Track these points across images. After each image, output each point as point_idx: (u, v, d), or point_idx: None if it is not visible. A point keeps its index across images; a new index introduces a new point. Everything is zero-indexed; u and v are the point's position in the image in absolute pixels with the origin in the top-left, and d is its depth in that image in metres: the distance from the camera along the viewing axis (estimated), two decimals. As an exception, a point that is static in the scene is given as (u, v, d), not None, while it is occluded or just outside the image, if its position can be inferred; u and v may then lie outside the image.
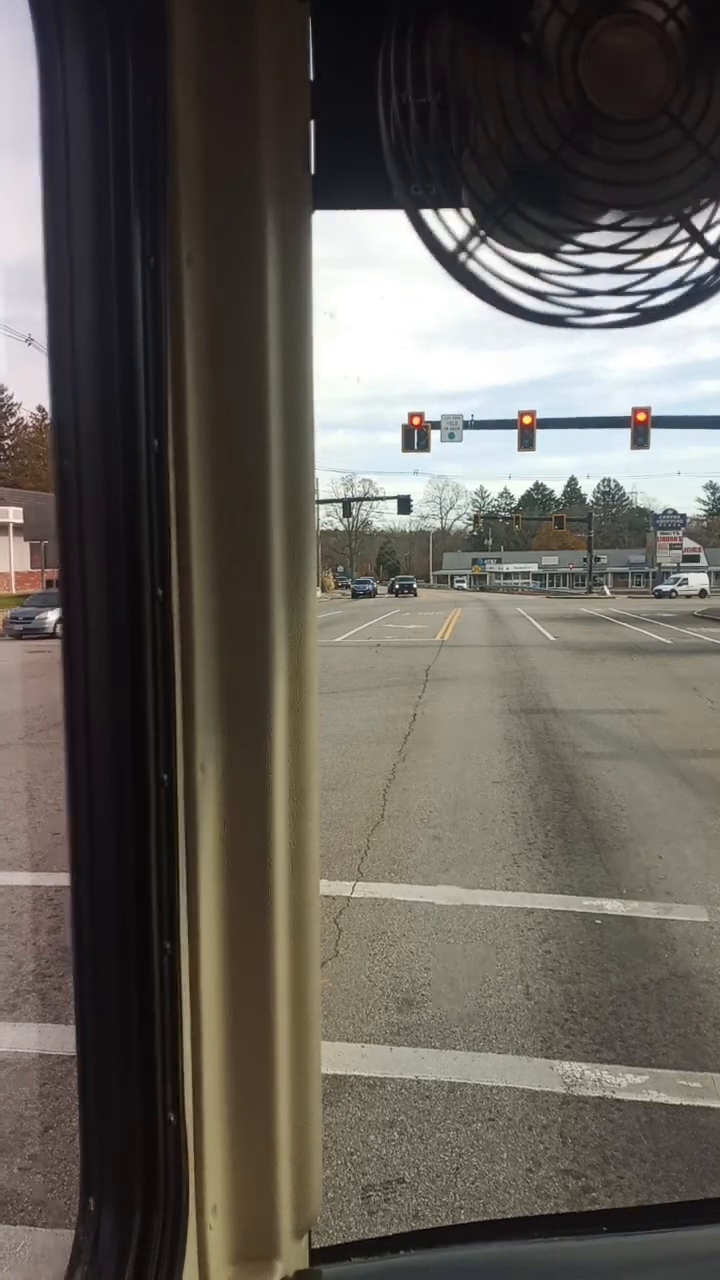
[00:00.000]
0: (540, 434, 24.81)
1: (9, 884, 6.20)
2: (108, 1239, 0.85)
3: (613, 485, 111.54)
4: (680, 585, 60.95)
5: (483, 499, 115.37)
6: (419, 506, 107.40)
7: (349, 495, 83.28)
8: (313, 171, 0.91)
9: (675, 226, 0.77)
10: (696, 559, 73.35)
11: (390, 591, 65.07)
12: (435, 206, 0.76)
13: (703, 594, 59.40)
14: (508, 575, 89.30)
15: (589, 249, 0.77)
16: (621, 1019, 4.35)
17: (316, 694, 1.00)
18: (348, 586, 66.30)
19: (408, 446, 25.11)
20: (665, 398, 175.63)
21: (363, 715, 12.86)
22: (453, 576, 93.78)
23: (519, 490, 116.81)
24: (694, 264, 0.77)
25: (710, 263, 0.77)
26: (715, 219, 0.77)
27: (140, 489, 0.80)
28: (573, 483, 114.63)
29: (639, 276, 0.77)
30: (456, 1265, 1.07)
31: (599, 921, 5.54)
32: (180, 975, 0.87)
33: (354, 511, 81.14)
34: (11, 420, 58.29)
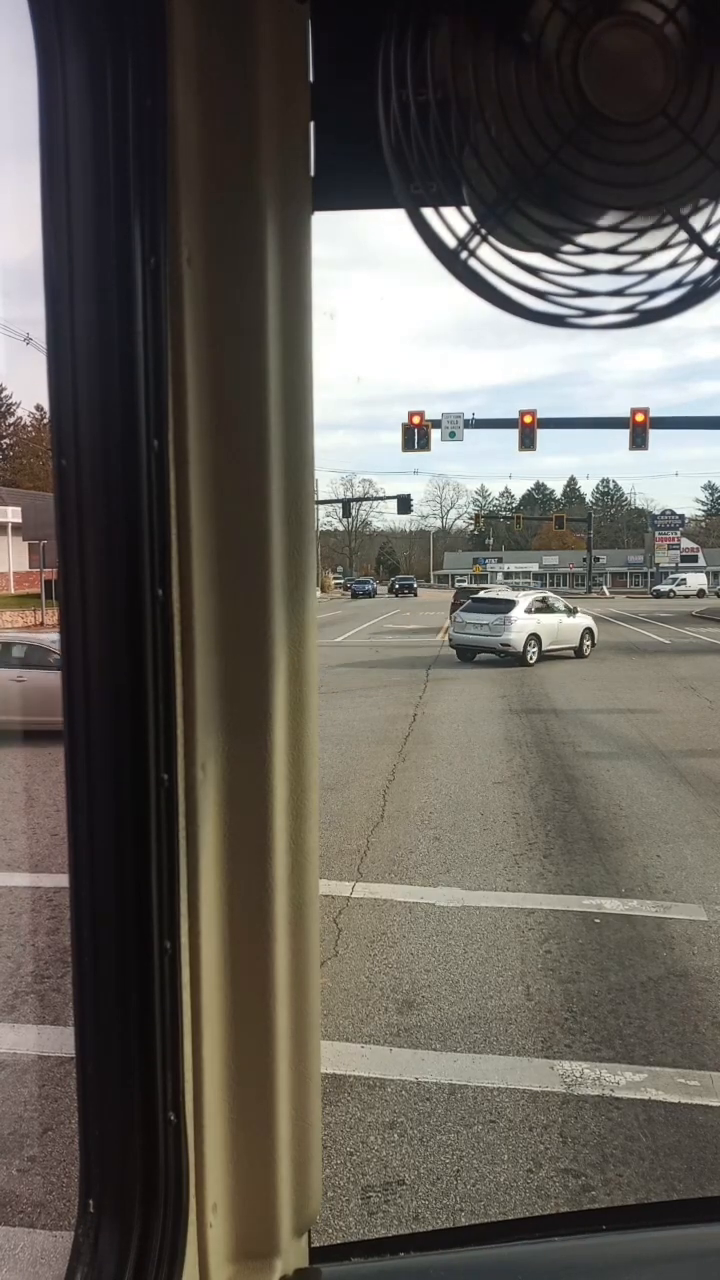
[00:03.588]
0: (541, 434, 24.80)
1: (7, 885, 6.19)
2: (108, 1239, 0.85)
3: (612, 485, 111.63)
4: (679, 585, 60.97)
5: (484, 498, 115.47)
6: (419, 506, 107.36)
7: (349, 495, 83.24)
8: (313, 172, 0.91)
9: (674, 228, 0.77)
10: (695, 559, 73.41)
11: (390, 591, 65.07)
12: (436, 205, 0.76)
13: (701, 594, 59.44)
14: (509, 575, 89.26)
15: (589, 250, 0.77)
16: (620, 1017, 4.35)
17: (317, 694, 1.00)
18: (347, 587, 66.29)
19: (408, 445, 25.07)
20: (665, 399, 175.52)
21: (363, 715, 12.87)
22: (454, 576, 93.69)
23: (520, 490, 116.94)
24: (693, 265, 0.77)
25: (709, 264, 0.77)
26: (714, 220, 0.77)
27: (140, 489, 0.80)
28: (572, 483, 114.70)
29: (638, 277, 0.77)
30: (456, 1267, 1.07)
31: (598, 921, 5.54)
32: (180, 975, 0.87)
33: (354, 511, 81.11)
34: (10, 420, 58.26)
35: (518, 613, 19.46)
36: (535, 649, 19.46)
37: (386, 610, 43.39)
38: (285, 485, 0.93)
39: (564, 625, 20.71)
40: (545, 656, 19.57)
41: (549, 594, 23.36)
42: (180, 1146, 0.87)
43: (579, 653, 20.79)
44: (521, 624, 19.32)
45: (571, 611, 21.37)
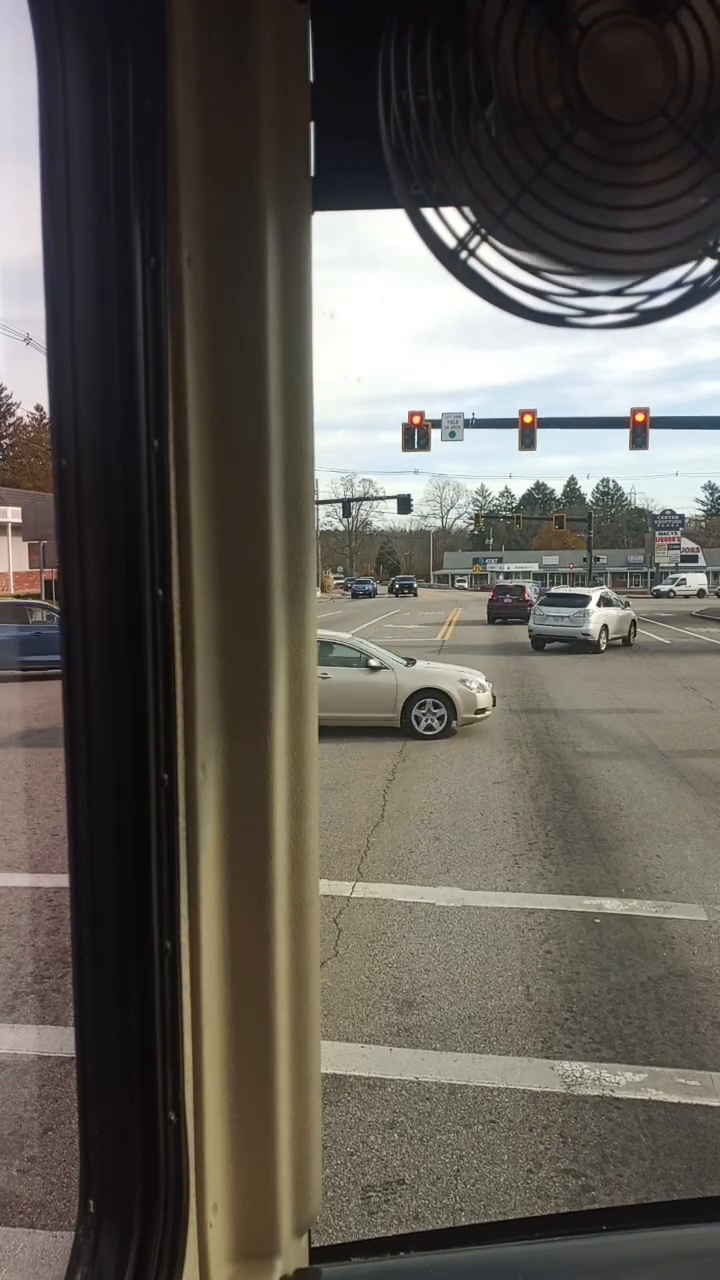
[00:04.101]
0: (541, 434, 24.80)
1: (7, 885, 6.19)
2: (108, 1239, 0.85)
3: (612, 485, 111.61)
4: (679, 585, 61.01)
5: (484, 498, 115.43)
6: (419, 506, 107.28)
7: (349, 495, 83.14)
8: (313, 172, 0.91)
9: (674, 227, 0.77)
10: (695, 559, 73.38)
11: (390, 591, 65.06)
12: (436, 205, 0.76)
13: (701, 594, 59.48)
14: (509, 575, 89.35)
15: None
16: (620, 1017, 4.35)
17: (317, 694, 1.00)
18: (347, 587, 66.27)
19: (408, 445, 25.05)
20: (665, 399, 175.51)
21: (362, 715, 12.86)
22: (454, 576, 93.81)
23: (520, 489, 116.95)
24: (692, 265, 0.77)
25: (709, 264, 0.77)
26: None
27: (140, 489, 0.80)
28: (572, 482, 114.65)
29: (638, 277, 0.77)
30: (456, 1266, 1.07)
31: (598, 921, 5.54)
32: (180, 975, 0.87)
33: (354, 511, 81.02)
34: (10, 420, 58.23)
35: (593, 606, 22.47)
36: (604, 637, 22.44)
37: (387, 610, 43.38)
38: (285, 485, 0.93)
39: (619, 617, 23.74)
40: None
41: (607, 590, 27.25)
42: (180, 1146, 0.87)
43: (627, 641, 24.00)
44: (597, 616, 22.23)
45: (624, 605, 24.72)
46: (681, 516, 75.76)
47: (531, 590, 33.89)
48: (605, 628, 22.46)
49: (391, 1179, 3.25)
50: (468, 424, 25.87)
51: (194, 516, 0.87)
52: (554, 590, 27.54)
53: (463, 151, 0.76)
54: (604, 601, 23.31)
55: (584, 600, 22.92)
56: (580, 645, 21.83)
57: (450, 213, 0.77)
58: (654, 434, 24.42)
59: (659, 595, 59.89)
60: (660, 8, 0.72)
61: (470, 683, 11.37)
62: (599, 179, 0.75)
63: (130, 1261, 0.85)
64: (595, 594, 23.62)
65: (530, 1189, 3.20)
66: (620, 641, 23.44)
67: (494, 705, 11.74)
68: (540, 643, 22.68)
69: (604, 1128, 3.54)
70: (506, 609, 30.54)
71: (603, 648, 22.08)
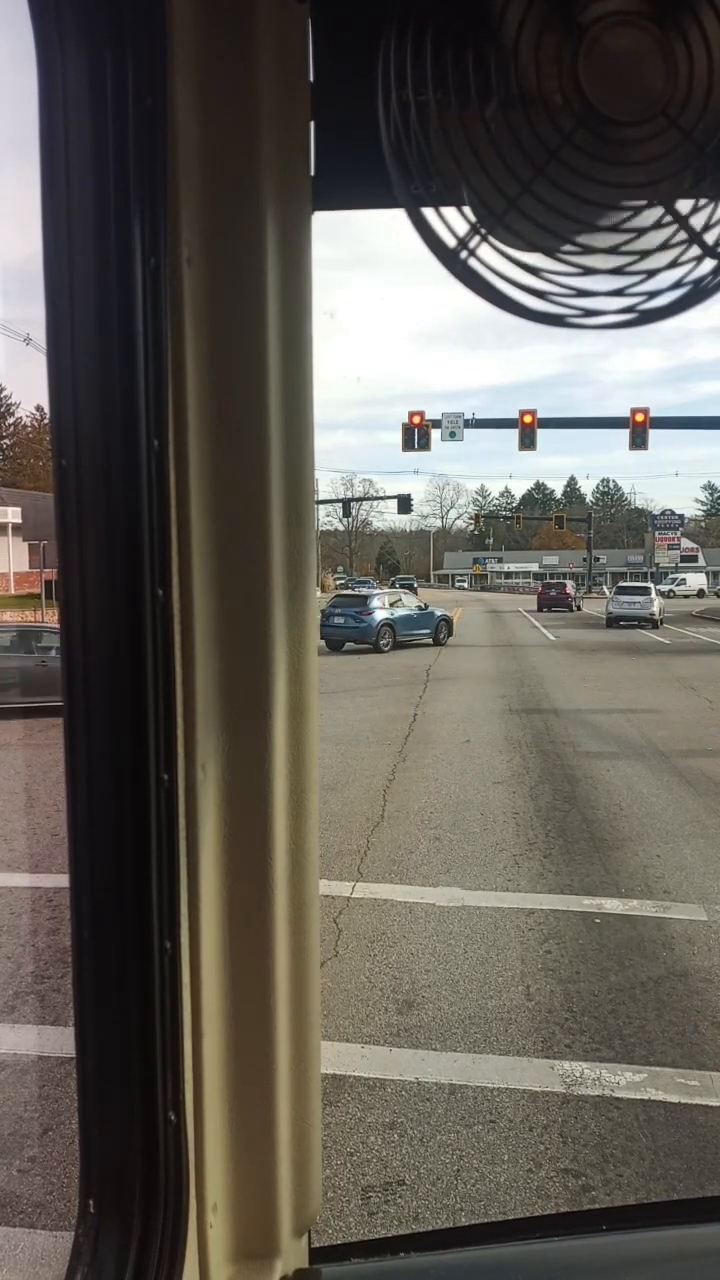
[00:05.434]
0: (541, 434, 24.82)
1: (7, 885, 6.19)
2: (108, 1239, 0.85)
3: (612, 485, 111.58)
4: (678, 585, 61.11)
5: (484, 498, 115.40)
6: (419, 506, 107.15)
7: (349, 495, 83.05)
8: (313, 172, 0.91)
9: (674, 228, 0.77)
10: (694, 559, 73.42)
11: (391, 591, 65.27)
12: (436, 205, 0.76)
13: (701, 594, 59.59)
14: (509, 575, 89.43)
15: (588, 249, 0.77)
16: (620, 1017, 4.35)
17: (317, 694, 1.00)
18: (348, 587, 66.35)
19: (408, 445, 25.06)
20: (664, 399, 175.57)
21: (363, 715, 12.87)
22: (454, 576, 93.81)
23: (520, 490, 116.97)
24: (692, 265, 0.77)
25: (709, 264, 0.77)
26: (713, 220, 0.77)
27: (140, 489, 0.80)
28: (573, 483, 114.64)
29: (638, 277, 0.77)
30: (456, 1267, 1.07)
31: (598, 921, 5.54)
32: (180, 975, 0.87)
33: (354, 511, 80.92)
34: (10, 420, 58.21)
35: (654, 595, 32.83)
36: (661, 616, 32.37)
37: (386, 610, 43.34)
38: (285, 485, 0.93)
39: (662, 603, 33.45)
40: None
41: (651, 584, 38.71)
42: (180, 1146, 0.87)
43: (661, 622, 32.65)
44: (657, 602, 32.40)
45: (665, 595, 36.30)
46: (681, 516, 75.68)
47: (571, 586, 45.83)
48: (661, 609, 32.34)
49: (391, 1179, 3.25)
50: (468, 424, 25.89)
51: (194, 516, 0.87)
52: (623, 584, 37.32)
53: (463, 151, 0.76)
54: (658, 592, 34.38)
55: (648, 591, 33.23)
56: (644, 622, 31.25)
57: (450, 212, 0.77)
58: (654, 434, 24.48)
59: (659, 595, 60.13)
60: (660, 8, 0.72)
61: None
62: (599, 179, 0.75)
63: (130, 1261, 0.85)
64: (653, 587, 34.89)
65: (530, 1189, 3.20)
66: (660, 621, 32.53)
67: None
68: (615, 621, 31.65)
69: (604, 1128, 3.54)
70: (553, 600, 42.55)
71: (660, 625, 31.33)
